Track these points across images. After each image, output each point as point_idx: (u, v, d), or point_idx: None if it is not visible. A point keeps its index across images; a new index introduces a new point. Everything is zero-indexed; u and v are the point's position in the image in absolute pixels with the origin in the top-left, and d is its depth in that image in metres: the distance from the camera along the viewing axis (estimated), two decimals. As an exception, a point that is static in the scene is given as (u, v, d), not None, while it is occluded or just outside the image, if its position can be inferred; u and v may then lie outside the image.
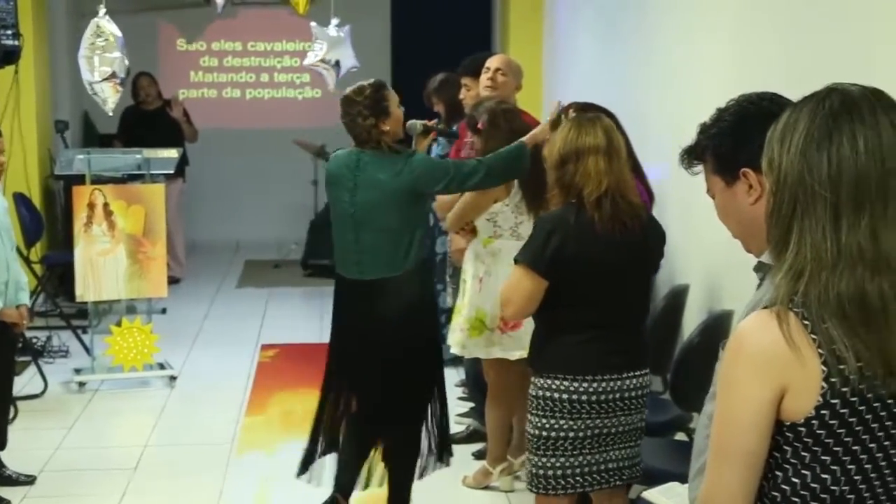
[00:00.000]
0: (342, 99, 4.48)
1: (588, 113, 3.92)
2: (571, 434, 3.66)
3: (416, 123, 4.77)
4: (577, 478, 3.69)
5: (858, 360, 1.71)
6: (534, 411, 3.70)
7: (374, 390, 4.48)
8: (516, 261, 3.70)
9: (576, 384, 3.64)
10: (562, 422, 3.66)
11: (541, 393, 3.69)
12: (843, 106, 1.77)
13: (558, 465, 3.67)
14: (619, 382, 3.68)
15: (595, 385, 3.65)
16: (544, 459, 3.68)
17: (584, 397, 3.64)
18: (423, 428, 4.63)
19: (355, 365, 4.53)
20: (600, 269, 3.65)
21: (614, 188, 3.64)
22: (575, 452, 3.67)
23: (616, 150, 3.69)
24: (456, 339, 4.92)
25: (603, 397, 3.66)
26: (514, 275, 3.71)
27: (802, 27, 3.90)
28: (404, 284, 4.39)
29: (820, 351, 1.72)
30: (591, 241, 3.62)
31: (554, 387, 3.66)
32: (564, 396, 3.65)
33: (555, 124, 4.52)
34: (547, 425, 3.67)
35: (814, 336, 1.72)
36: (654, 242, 3.85)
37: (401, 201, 4.36)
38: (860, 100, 1.77)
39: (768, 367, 1.74)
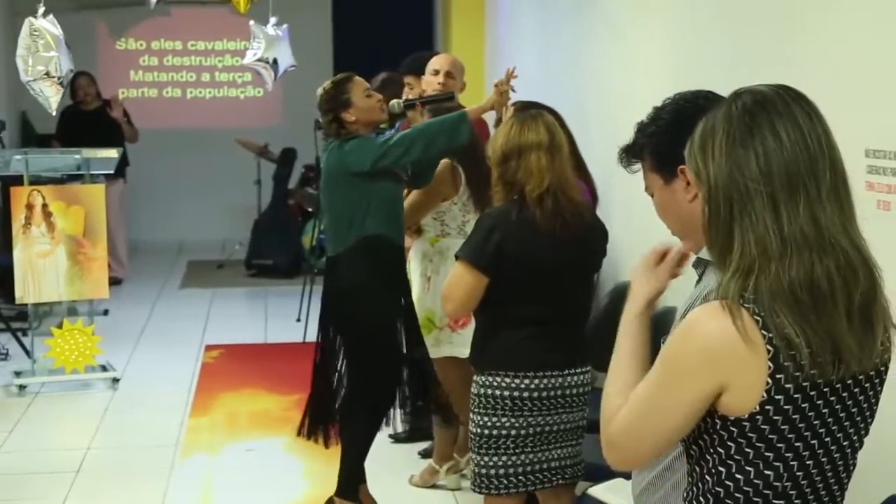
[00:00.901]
0: None
1: (531, 110, 3.92)
2: (514, 432, 3.66)
3: (395, 103, 4.81)
4: (521, 476, 3.69)
5: (809, 347, 1.73)
6: (476, 409, 3.70)
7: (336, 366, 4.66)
8: (457, 257, 3.70)
9: (517, 381, 3.65)
10: (503, 419, 3.66)
11: (482, 391, 3.68)
12: (757, 103, 1.81)
13: (500, 463, 3.68)
14: (560, 379, 3.69)
15: (536, 382, 3.65)
16: (486, 458, 3.68)
17: (525, 394, 3.65)
18: (390, 404, 4.70)
19: (322, 341, 4.70)
20: (541, 266, 3.65)
21: (556, 185, 3.64)
22: (517, 451, 3.67)
23: (558, 147, 3.69)
24: None
25: (545, 394, 3.66)
26: (455, 271, 3.71)
27: (736, 24, 3.95)
28: (347, 262, 4.51)
29: (769, 347, 1.73)
30: (533, 238, 3.62)
31: (495, 384, 3.66)
32: (506, 394, 3.65)
33: (499, 90, 4.54)
34: (489, 423, 3.67)
35: (764, 332, 1.73)
36: (596, 240, 3.86)
37: (335, 182, 4.51)
38: (770, 95, 1.82)
39: (715, 361, 1.75)
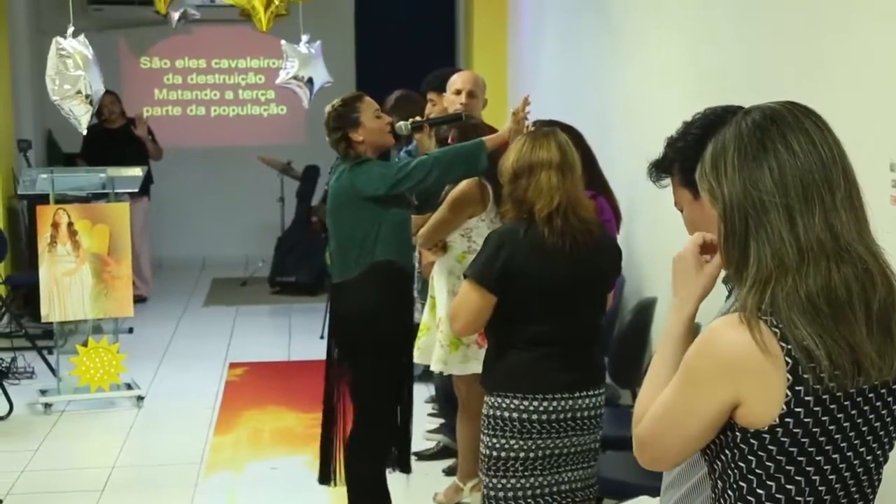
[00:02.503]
0: None
1: (544, 128, 3.90)
2: (522, 454, 3.61)
3: (402, 125, 4.78)
4: (531, 500, 3.64)
5: (829, 358, 1.73)
6: (485, 430, 3.67)
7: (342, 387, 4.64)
8: (465, 275, 3.69)
9: (525, 403, 3.60)
10: (512, 441, 3.62)
11: (491, 412, 3.65)
12: (767, 118, 1.82)
13: (510, 486, 3.63)
14: (571, 401, 3.64)
15: (545, 404, 3.61)
16: (495, 481, 3.64)
17: (534, 416, 3.60)
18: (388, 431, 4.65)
19: (328, 369, 4.70)
20: (550, 284, 3.61)
21: (566, 204, 3.61)
22: (526, 474, 3.63)
23: (570, 166, 3.66)
24: (437, 357, 4.88)
25: (554, 417, 3.62)
26: (463, 289, 3.69)
27: (759, 36, 3.94)
28: (355, 288, 4.45)
29: (787, 359, 1.73)
30: (541, 256, 3.58)
31: (504, 405, 3.62)
32: (514, 415, 3.61)
33: (516, 119, 4.53)
34: (497, 445, 3.63)
35: (783, 343, 1.73)
36: (607, 259, 3.81)
37: (343, 206, 4.45)
38: (780, 110, 1.83)
39: (734, 370, 1.75)
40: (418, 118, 4.99)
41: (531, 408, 3.60)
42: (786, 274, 1.75)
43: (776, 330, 1.74)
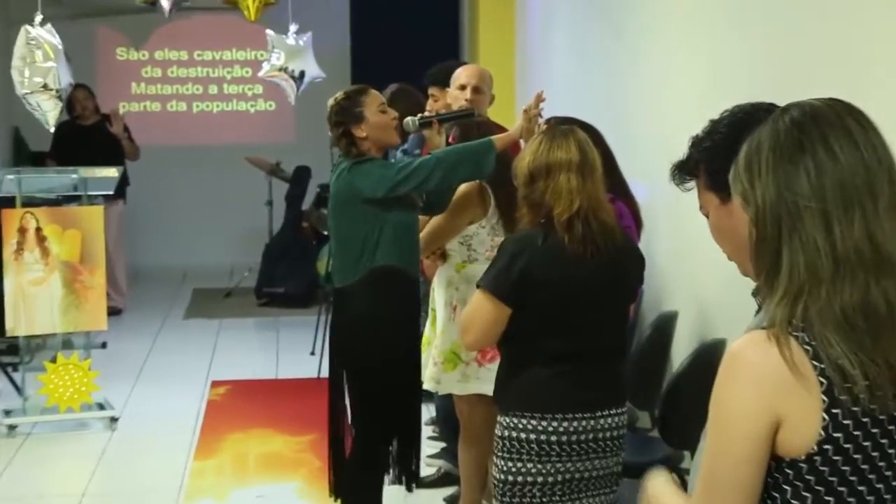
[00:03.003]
0: None
1: (562, 126, 3.90)
2: (540, 479, 3.60)
3: (409, 121, 4.79)
4: None
5: (866, 378, 1.71)
6: (499, 453, 3.66)
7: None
8: (478, 285, 3.68)
9: (544, 423, 3.59)
10: (529, 465, 3.61)
11: (506, 433, 3.64)
12: (805, 116, 1.81)
13: None
14: (592, 422, 3.63)
15: (565, 424, 3.60)
16: None
17: (552, 438, 3.59)
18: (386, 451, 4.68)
19: (331, 380, 4.73)
20: (570, 295, 3.61)
21: (587, 208, 3.61)
22: (544, 500, 3.61)
23: (591, 167, 3.66)
24: (429, 374, 4.88)
25: (574, 438, 3.61)
26: (475, 300, 3.68)
27: (789, 26, 3.93)
28: (355, 294, 4.50)
29: (821, 379, 1.72)
30: (561, 264, 3.58)
31: (520, 426, 3.61)
32: (532, 437, 3.60)
33: (528, 116, 4.52)
34: (513, 469, 3.62)
35: (815, 362, 1.72)
36: (631, 267, 3.82)
37: (342, 207, 4.52)
38: (820, 108, 1.82)
39: (766, 390, 1.74)
40: (427, 113, 4.99)
41: (549, 428, 3.59)
42: (819, 286, 1.74)
43: (808, 347, 1.73)
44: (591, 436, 3.63)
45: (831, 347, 1.72)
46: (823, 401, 1.72)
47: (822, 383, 1.72)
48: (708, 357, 4.11)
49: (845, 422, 1.73)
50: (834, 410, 1.73)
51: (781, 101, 1.94)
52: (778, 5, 4.06)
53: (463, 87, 5.39)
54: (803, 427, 1.74)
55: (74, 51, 6.33)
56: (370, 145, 4.54)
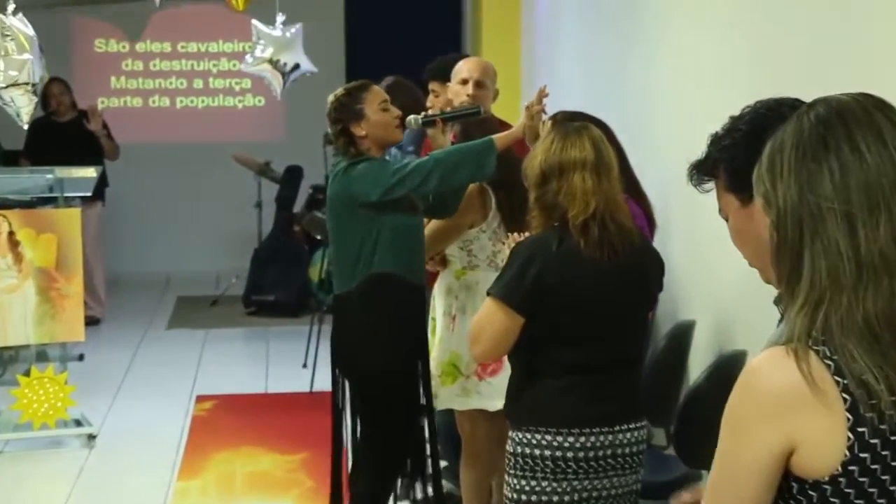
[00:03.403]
0: None
1: (575, 122, 3.90)
2: (556, 498, 3.61)
3: (411, 119, 4.79)
4: None
5: (893, 393, 1.71)
6: (511, 471, 3.67)
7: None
8: (489, 293, 3.68)
9: (559, 439, 3.60)
10: (543, 483, 3.61)
11: (518, 449, 3.65)
12: (831, 111, 1.80)
13: None
14: (610, 437, 3.64)
15: (582, 440, 3.61)
16: None
17: (569, 454, 3.60)
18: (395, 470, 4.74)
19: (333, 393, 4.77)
20: (587, 302, 3.62)
21: (604, 210, 3.62)
22: None
23: (607, 166, 3.67)
24: None
25: (591, 454, 3.62)
26: (486, 309, 3.69)
27: (820, 9, 3.92)
28: (353, 302, 4.55)
29: (844, 395, 1.72)
30: (577, 270, 3.59)
31: (534, 442, 3.62)
32: (546, 453, 3.61)
33: (530, 113, 4.51)
34: (527, 488, 3.63)
35: (838, 378, 1.72)
36: (650, 272, 3.84)
37: (339, 210, 4.57)
38: (848, 102, 1.81)
39: (780, 411, 1.74)
40: (430, 111, 4.99)
41: (566, 444, 3.60)
42: (840, 293, 1.73)
43: (829, 362, 1.72)
44: (609, 451, 3.64)
45: (854, 361, 1.71)
46: (848, 419, 1.72)
47: (845, 400, 1.72)
48: (727, 370, 4.10)
49: (872, 441, 1.73)
50: (860, 429, 1.72)
51: (815, 96, 1.93)
52: (803, 2, 4.05)
53: (464, 82, 5.37)
54: (825, 447, 1.74)
55: (49, 42, 6.33)
56: (370, 144, 4.56)
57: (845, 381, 1.71)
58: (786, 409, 1.73)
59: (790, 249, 1.79)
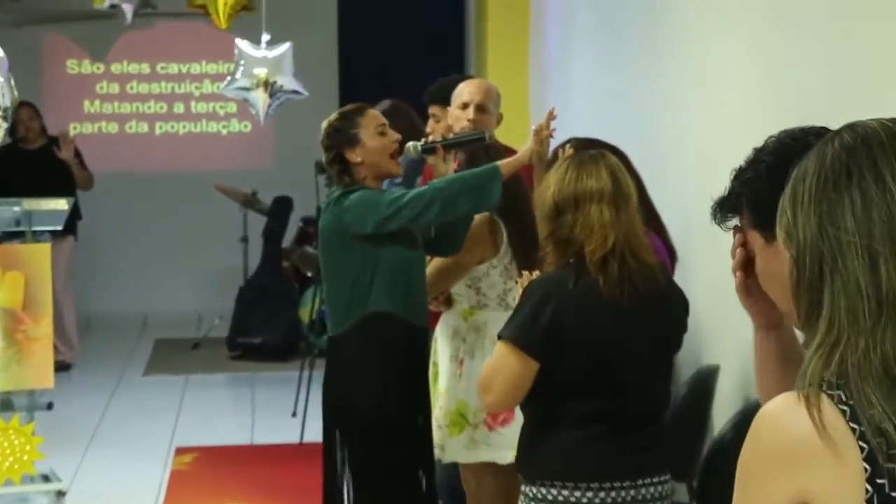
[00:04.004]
0: None
1: (590, 150, 3.92)
2: (574, 560, 3.63)
3: (410, 146, 4.80)
4: None
5: None
6: (525, 530, 3.68)
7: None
8: (500, 337, 3.69)
9: (577, 493, 3.61)
10: (559, 543, 3.63)
11: None
12: (857, 138, 1.80)
13: None
14: (632, 491, 3.65)
15: (602, 494, 3.61)
16: None
17: None
18: None
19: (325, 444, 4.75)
20: (607, 346, 3.63)
21: (623, 244, 3.63)
22: None
23: (625, 197, 3.69)
24: (434, 440, 4.87)
25: None
26: (498, 354, 3.70)
27: (855, 46, 3.94)
28: (346, 345, 4.57)
29: (861, 444, 1.71)
30: (595, 311, 3.61)
31: (549, 497, 3.62)
32: None
33: (539, 138, 4.53)
34: (540, 548, 3.64)
35: (853, 425, 1.72)
36: (675, 312, 3.85)
37: (331, 244, 4.59)
38: (874, 129, 1.81)
39: (789, 464, 1.74)
40: (430, 138, 5.00)
41: (584, 499, 3.61)
42: (858, 334, 1.73)
43: (845, 408, 1.72)
44: None
45: (872, 407, 1.71)
46: (865, 469, 1.72)
47: (862, 449, 1.71)
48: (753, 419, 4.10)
49: (893, 494, 1.73)
50: (879, 480, 1.72)
51: (837, 123, 1.95)
52: (841, 16, 4.06)
53: (465, 106, 5.38)
54: (840, 500, 1.73)
55: (18, 63, 6.35)
56: (366, 173, 4.57)
57: (861, 429, 1.71)
58: (795, 462, 1.73)
59: (810, 284, 1.79)
